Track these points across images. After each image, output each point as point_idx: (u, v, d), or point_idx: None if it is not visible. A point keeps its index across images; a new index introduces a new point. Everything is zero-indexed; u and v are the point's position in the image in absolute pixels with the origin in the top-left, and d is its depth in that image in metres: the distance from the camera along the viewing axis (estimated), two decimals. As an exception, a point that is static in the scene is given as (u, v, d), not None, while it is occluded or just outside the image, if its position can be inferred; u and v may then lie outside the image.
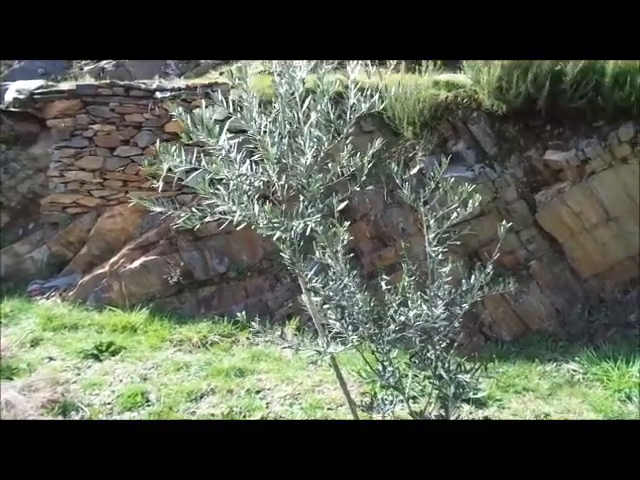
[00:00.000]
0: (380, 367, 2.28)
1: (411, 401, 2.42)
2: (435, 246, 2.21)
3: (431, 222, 2.19)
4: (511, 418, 3.40)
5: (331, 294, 2.16)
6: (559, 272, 5.12)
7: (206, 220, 2.09)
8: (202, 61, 7.22)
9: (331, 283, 2.15)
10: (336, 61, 2.13)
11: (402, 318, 2.20)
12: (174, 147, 2.04)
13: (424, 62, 5.31)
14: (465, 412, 3.36)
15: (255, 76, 4.27)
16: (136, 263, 5.04)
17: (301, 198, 2.09)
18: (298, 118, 2.07)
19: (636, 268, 5.13)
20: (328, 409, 3.35)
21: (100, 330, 4.44)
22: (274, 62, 2.10)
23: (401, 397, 2.31)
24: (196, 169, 2.06)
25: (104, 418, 3.21)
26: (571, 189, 5.05)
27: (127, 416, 3.24)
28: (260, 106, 2.07)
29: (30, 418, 3.00)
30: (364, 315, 2.17)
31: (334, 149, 2.11)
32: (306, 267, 2.10)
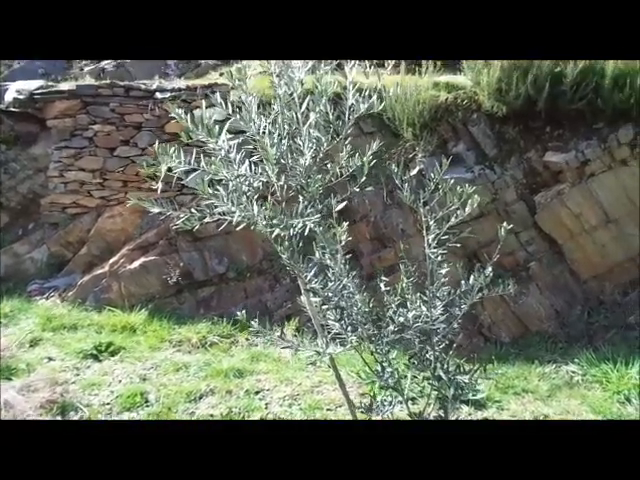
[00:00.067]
0: (379, 368, 2.28)
1: (410, 402, 2.42)
2: (434, 247, 2.21)
3: (431, 223, 2.18)
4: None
5: (330, 295, 2.16)
6: (558, 273, 5.13)
7: (205, 221, 2.09)
8: (202, 62, 7.23)
9: (330, 284, 2.14)
10: (334, 62, 2.13)
11: (401, 319, 2.19)
12: (173, 148, 2.03)
13: (424, 63, 5.31)
14: (464, 413, 3.36)
15: (255, 77, 4.26)
16: (136, 263, 5.04)
17: (300, 199, 2.09)
18: (297, 119, 2.08)
19: (636, 270, 5.14)
20: (327, 410, 3.35)
21: (99, 330, 4.44)
22: (273, 63, 2.10)
23: (400, 398, 2.31)
24: (195, 170, 2.06)
25: (103, 418, 3.21)
26: (571, 191, 5.06)
27: (126, 416, 3.24)
28: (259, 107, 2.07)
29: (29, 418, 3.00)
30: (363, 316, 2.17)
31: (333, 150, 2.11)
32: (305, 268, 2.10)
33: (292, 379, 3.71)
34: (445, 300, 2.23)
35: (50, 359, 3.90)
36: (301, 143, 2.07)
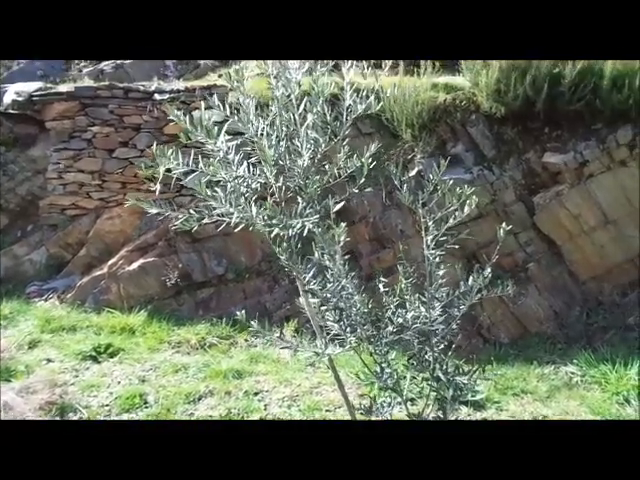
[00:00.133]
0: (378, 369, 2.28)
1: (409, 403, 2.42)
2: (433, 248, 2.21)
3: (429, 224, 2.19)
4: (509, 420, 3.40)
5: (329, 296, 2.16)
6: (557, 274, 5.13)
7: (204, 222, 2.09)
8: (201, 63, 7.24)
9: (329, 285, 2.14)
10: (331, 63, 2.13)
11: (400, 320, 2.19)
12: (171, 150, 2.04)
13: (422, 64, 5.32)
14: (463, 414, 3.36)
15: (252, 79, 4.27)
16: (134, 265, 5.04)
17: (299, 199, 2.09)
18: (295, 120, 2.08)
19: (635, 271, 5.14)
20: (326, 411, 3.35)
21: (98, 332, 4.44)
22: (270, 65, 2.10)
23: (399, 399, 2.31)
24: (194, 171, 2.06)
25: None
26: (569, 192, 5.06)
27: (125, 418, 3.23)
28: (257, 109, 2.08)
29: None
30: (362, 317, 2.17)
31: (331, 151, 2.12)
32: (304, 269, 2.10)
33: (291, 380, 3.71)
34: (444, 301, 2.23)
35: (49, 361, 3.90)
36: (299, 144, 2.07)
